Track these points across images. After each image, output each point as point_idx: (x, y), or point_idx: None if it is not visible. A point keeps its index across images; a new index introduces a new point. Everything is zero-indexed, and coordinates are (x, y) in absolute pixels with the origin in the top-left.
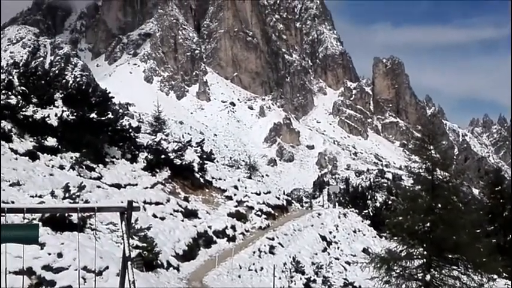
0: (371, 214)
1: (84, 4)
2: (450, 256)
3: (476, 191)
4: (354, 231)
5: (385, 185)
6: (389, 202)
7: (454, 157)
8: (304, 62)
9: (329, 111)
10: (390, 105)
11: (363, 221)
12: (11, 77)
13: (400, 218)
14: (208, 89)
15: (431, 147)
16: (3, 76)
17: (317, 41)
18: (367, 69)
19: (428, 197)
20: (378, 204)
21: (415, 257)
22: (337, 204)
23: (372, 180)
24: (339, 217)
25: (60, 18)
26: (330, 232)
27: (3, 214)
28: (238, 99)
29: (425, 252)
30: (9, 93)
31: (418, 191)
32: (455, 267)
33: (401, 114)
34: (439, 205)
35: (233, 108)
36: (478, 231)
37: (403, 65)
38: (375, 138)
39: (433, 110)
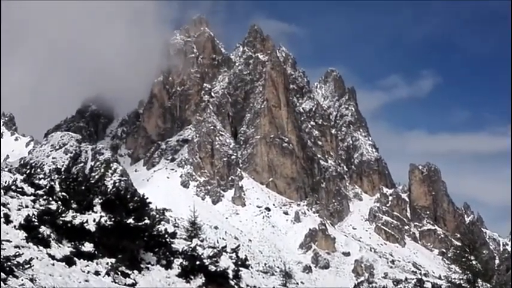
0: None
1: (126, 112)
2: None
3: None
4: None
5: None
6: None
7: (496, 267)
8: (339, 168)
9: (365, 218)
10: (428, 212)
11: None
12: (52, 183)
13: None
14: (244, 194)
15: (472, 257)
16: (45, 182)
17: (352, 147)
18: (403, 175)
19: None
20: None
21: None
22: None
23: None
24: None
25: (102, 125)
26: None
27: None
28: (274, 205)
29: None
30: (50, 198)
31: None
32: None
33: (440, 222)
34: None
35: (268, 214)
36: None
37: (440, 171)
38: (412, 246)
39: (472, 218)
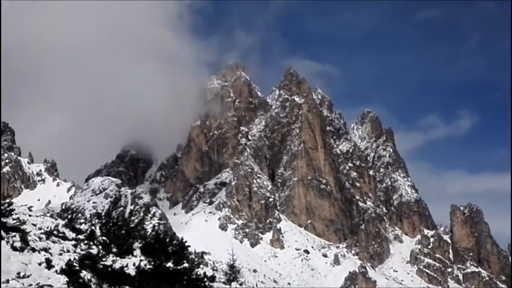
0: None
1: (164, 156)
2: None
3: None
4: None
5: None
6: None
7: None
8: (378, 209)
9: (406, 260)
10: (471, 254)
11: None
12: (93, 228)
13: None
14: (282, 237)
15: None
16: (86, 226)
17: (391, 188)
18: (444, 216)
19: None
20: None
21: None
22: None
23: None
24: None
25: (141, 170)
26: None
27: None
28: (312, 247)
29: None
30: (91, 243)
31: None
32: None
33: (484, 264)
34: None
35: (307, 256)
36: None
37: (482, 212)
38: None
39: None
